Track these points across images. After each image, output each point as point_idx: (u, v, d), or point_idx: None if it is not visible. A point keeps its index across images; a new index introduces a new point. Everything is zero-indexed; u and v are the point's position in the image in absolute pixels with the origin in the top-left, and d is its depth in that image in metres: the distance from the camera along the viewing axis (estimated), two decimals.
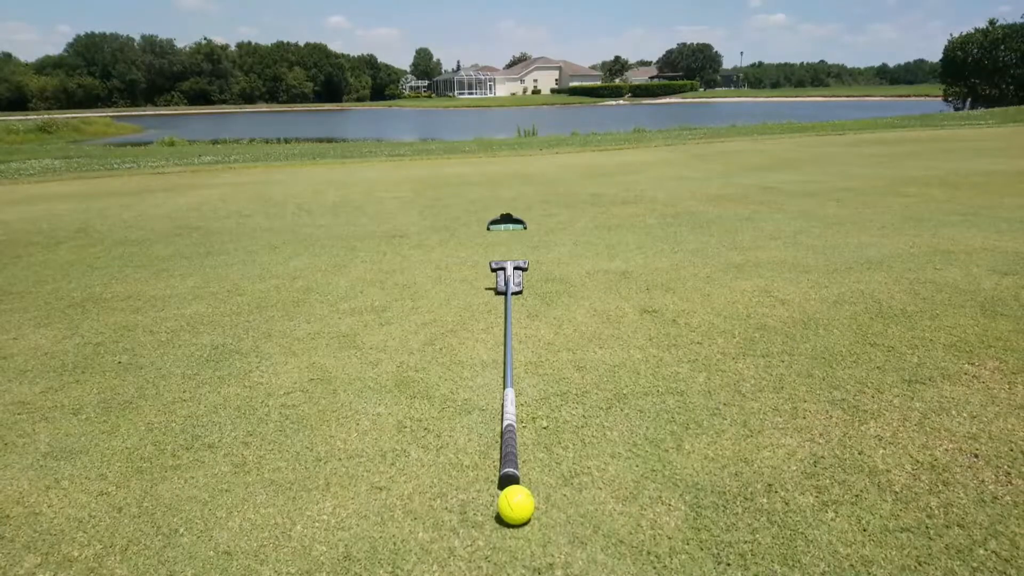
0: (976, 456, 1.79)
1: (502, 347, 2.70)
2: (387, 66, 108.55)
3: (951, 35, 39.70)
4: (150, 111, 71.08)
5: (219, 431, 2.10)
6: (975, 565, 1.39)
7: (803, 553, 1.45)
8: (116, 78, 79.58)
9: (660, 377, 2.36)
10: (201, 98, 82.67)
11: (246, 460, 1.93)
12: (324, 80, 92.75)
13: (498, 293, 3.44)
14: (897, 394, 2.16)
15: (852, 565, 1.41)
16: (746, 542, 1.49)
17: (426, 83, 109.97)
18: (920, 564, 1.40)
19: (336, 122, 50.39)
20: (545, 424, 2.07)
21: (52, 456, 1.99)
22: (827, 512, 1.58)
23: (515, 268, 3.53)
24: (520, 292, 3.41)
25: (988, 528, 1.50)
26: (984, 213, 5.06)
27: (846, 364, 2.41)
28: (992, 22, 36.65)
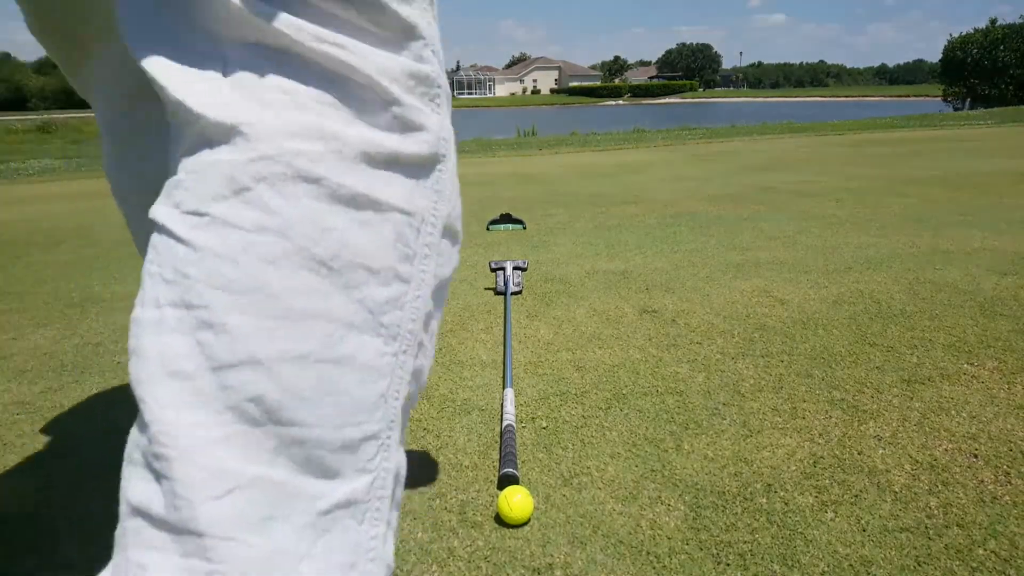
0: (975, 456, 1.79)
1: (501, 347, 2.70)
2: None
3: (951, 35, 39.72)
4: None
5: None
6: (974, 565, 1.39)
7: (802, 553, 1.45)
8: None
9: (659, 377, 2.36)
10: None
11: None
12: None
13: (497, 293, 3.44)
14: (896, 394, 2.16)
15: (852, 565, 1.41)
16: (745, 542, 1.49)
17: None
18: (920, 564, 1.40)
19: None
20: (544, 424, 2.07)
21: (52, 456, 1.99)
22: (826, 512, 1.58)
23: (515, 268, 3.53)
24: (520, 292, 3.41)
25: (988, 528, 1.50)
26: (984, 213, 5.06)
27: (845, 364, 2.41)
28: (992, 22, 36.64)
